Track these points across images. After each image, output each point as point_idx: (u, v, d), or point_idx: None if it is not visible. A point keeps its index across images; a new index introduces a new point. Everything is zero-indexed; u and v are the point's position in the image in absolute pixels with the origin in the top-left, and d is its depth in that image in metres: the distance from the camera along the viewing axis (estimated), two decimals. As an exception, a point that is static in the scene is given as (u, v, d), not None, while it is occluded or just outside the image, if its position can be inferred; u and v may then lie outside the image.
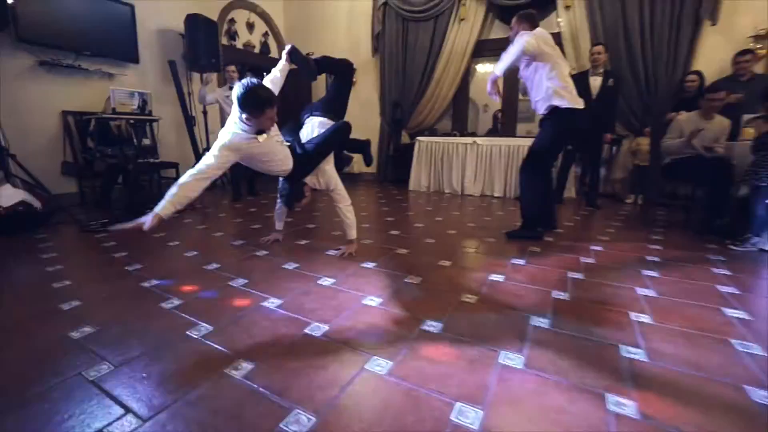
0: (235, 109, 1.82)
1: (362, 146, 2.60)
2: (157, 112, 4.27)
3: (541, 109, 2.67)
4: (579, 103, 2.59)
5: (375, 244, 2.61)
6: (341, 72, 2.39)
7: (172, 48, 4.69)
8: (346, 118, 2.36)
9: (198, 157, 4.66)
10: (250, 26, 5.92)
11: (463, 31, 5.15)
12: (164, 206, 1.62)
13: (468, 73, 5.53)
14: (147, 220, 1.58)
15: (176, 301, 1.66)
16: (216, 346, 1.31)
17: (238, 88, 1.73)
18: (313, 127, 2.28)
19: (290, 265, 2.13)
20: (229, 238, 2.71)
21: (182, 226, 3.03)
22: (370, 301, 1.69)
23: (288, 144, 2.14)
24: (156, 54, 4.59)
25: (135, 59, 4.24)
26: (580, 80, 3.69)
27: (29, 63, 3.57)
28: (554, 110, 2.58)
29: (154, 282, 1.87)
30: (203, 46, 4.52)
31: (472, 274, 2.05)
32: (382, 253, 2.39)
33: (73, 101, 3.85)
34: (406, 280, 1.93)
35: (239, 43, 5.76)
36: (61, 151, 3.82)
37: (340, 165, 2.45)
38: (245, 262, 2.22)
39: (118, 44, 4.06)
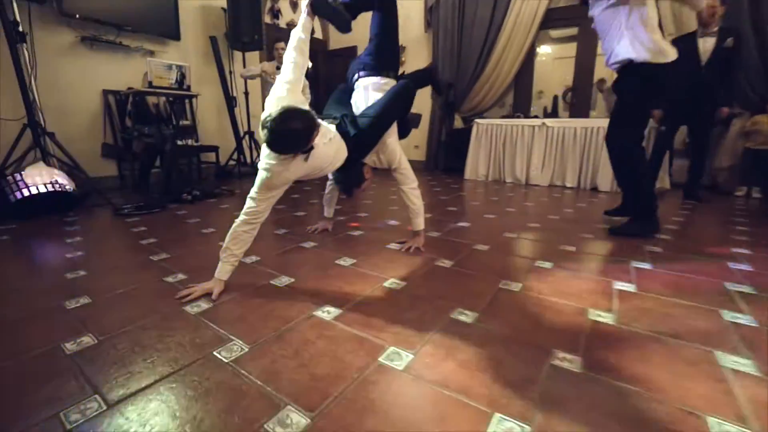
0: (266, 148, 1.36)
1: (427, 77, 2.10)
2: (197, 92, 4.01)
3: (613, 62, 2.07)
4: (666, 56, 1.96)
5: (443, 237, 2.13)
6: (379, 1, 1.77)
7: (213, 25, 4.42)
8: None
9: (239, 141, 4.38)
10: (294, 5, 5.57)
11: (531, -2, 4.49)
12: (221, 269, 1.38)
13: (534, 49, 4.86)
14: (214, 287, 1.35)
15: (204, 305, 1.27)
16: (254, 379, 0.89)
17: (263, 134, 1.23)
18: (367, 92, 1.79)
19: (345, 261, 1.70)
20: (270, 227, 2.33)
21: (218, 211, 2.70)
22: (462, 315, 1.21)
23: (336, 121, 1.66)
24: (198, 31, 4.33)
25: (176, 36, 3.99)
26: (686, 43, 2.99)
27: (71, 39, 3.39)
28: (629, 65, 1.99)
29: (180, 276, 1.50)
30: (246, 22, 4.19)
31: (588, 282, 1.51)
32: (456, 249, 1.90)
33: (114, 80, 3.65)
34: (501, 287, 1.44)
35: (282, 23, 5.43)
36: (101, 132, 3.64)
37: (406, 130, 1.97)
38: (290, 255, 1.82)
39: (160, 20, 3.82)
